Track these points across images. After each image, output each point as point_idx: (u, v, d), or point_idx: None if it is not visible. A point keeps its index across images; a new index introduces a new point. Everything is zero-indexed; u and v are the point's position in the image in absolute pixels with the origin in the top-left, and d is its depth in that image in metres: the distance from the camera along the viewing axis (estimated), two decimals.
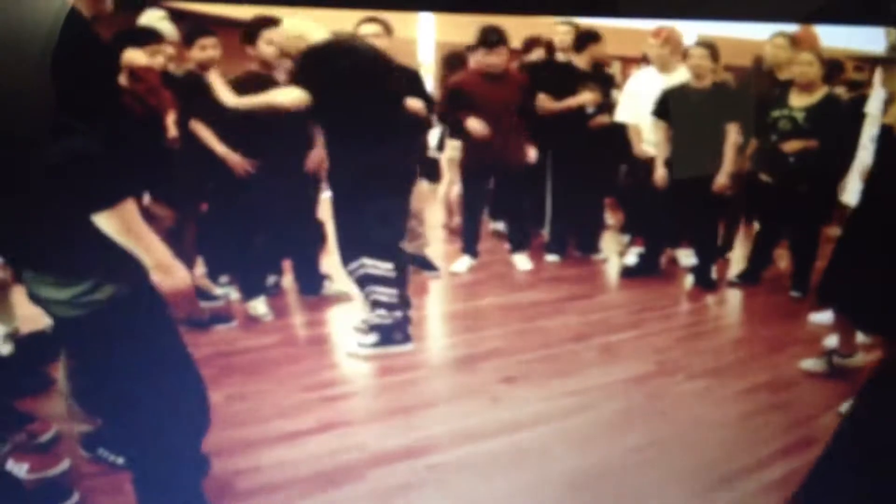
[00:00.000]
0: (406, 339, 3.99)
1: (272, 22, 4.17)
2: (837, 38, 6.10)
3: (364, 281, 3.92)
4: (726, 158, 5.06)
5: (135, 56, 3.73)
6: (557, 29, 5.75)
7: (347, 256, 3.93)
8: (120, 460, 2.73)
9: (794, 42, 5.32)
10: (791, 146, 4.82)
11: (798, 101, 4.84)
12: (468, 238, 5.57)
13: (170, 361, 2.16)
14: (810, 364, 3.84)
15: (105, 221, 1.87)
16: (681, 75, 5.22)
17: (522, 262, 5.58)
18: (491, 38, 5.12)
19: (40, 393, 3.24)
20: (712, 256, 5.35)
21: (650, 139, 5.31)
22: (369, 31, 4.53)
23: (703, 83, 5.08)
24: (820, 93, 4.82)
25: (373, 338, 3.96)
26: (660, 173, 5.25)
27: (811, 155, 4.79)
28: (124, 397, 2.09)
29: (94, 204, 1.86)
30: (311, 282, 4.75)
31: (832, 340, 3.99)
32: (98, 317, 1.98)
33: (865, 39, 4.28)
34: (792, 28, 5.61)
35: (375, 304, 3.94)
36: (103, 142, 1.85)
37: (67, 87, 1.73)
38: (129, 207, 1.89)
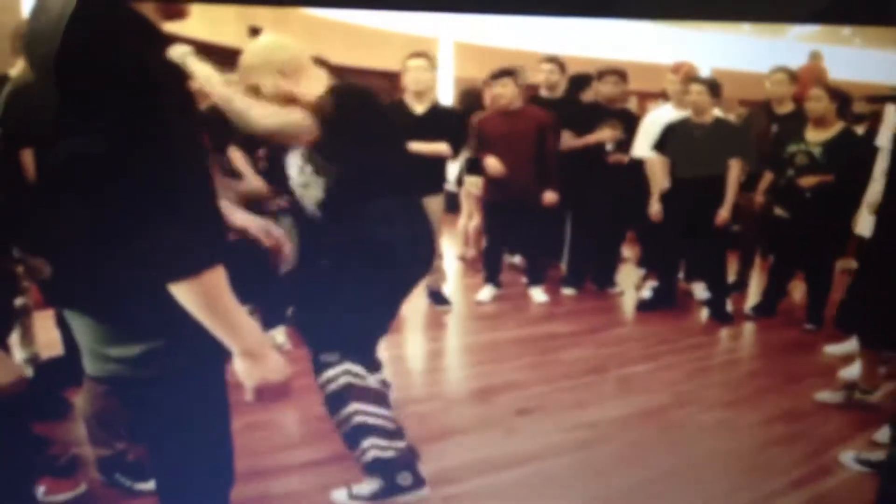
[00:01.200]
0: (419, 482, 2.83)
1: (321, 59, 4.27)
2: (846, 70, 6.12)
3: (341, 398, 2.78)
4: (728, 192, 5.07)
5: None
6: (542, 67, 5.81)
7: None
8: (137, 486, 2.75)
9: (795, 77, 5.37)
10: (808, 181, 4.85)
11: (814, 135, 4.87)
12: (491, 268, 5.65)
13: (217, 426, 1.79)
14: (826, 396, 3.81)
15: (183, 293, 1.45)
16: None
17: (538, 295, 5.60)
18: (495, 72, 5.33)
19: (59, 418, 3.27)
20: (724, 289, 5.34)
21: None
22: (418, 65, 4.65)
23: (704, 118, 5.11)
24: (836, 127, 4.86)
25: (373, 484, 2.81)
26: (655, 208, 5.29)
27: (827, 189, 4.80)
28: (164, 455, 1.78)
29: (171, 271, 1.44)
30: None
31: (849, 372, 3.98)
32: (156, 382, 1.60)
33: (875, 70, 4.31)
34: (797, 62, 5.66)
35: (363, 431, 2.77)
36: (195, 188, 1.52)
37: (142, 109, 1.36)
38: (217, 278, 1.47)
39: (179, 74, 1.58)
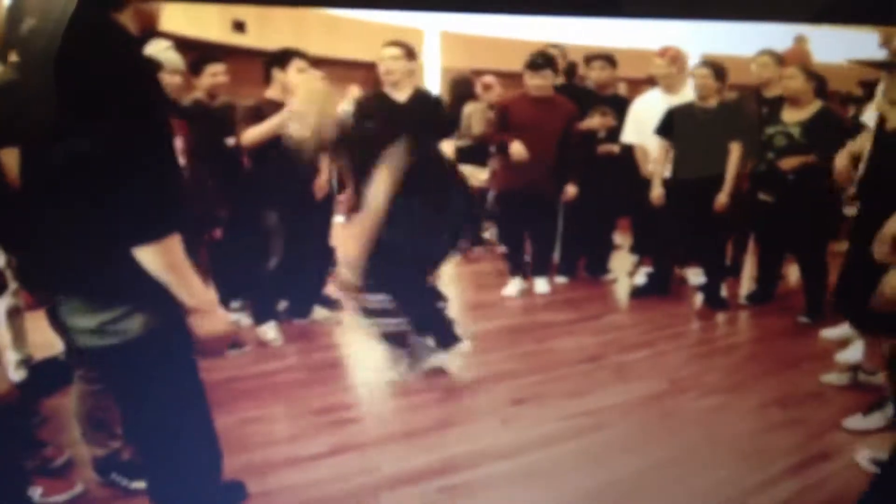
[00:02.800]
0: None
1: (300, 53, 4.29)
2: (832, 53, 6.11)
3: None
4: (728, 177, 5.05)
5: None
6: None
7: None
8: (133, 485, 2.73)
9: (781, 60, 5.34)
10: (788, 163, 4.76)
11: (791, 116, 4.80)
12: (513, 261, 5.63)
13: (191, 396, 2.02)
14: (832, 378, 3.81)
15: (146, 256, 1.73)
16: (686, 95, 5.25)
17: (542, 285, 5.58)
18: (536, 61, 5.23)
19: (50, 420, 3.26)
20: (720, 275, 5.33)
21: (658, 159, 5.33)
22: (389, 54, 4.61)
23: (709, 103, 5.09)
24: (813, 106, 4.78)
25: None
26: (656, 192, 5.26)
27: (810, 171, 4.71)
28: (143, 428, 2.00)
29: (136, 236, 1.72)
30: (303, 306, 4.79)
31: (846, 355, 3.98)
32: (125, 348, 1.83)
33: (862, 53, 4.29)
34: (781, 46, 5.65)
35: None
36: (156, 169, 1.74)
37: (119, 106, 1.63)
38: (175, 243, 1.75)
39: (149, 67, 1.89)
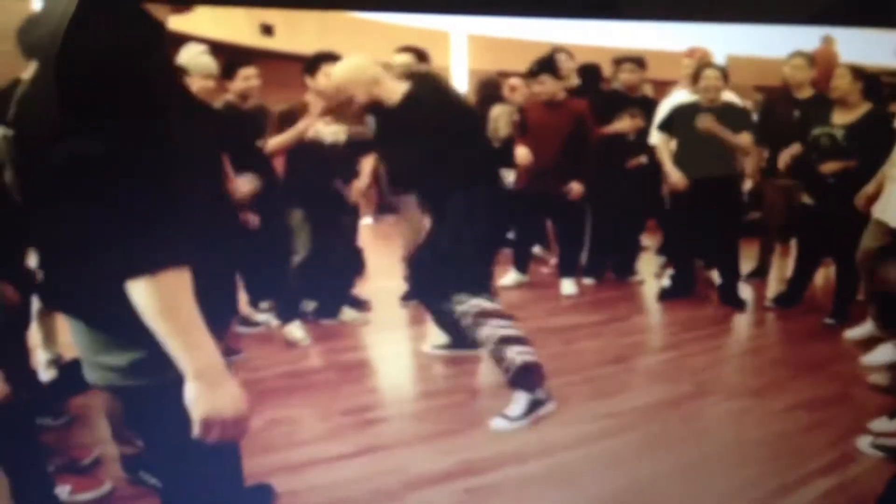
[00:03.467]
0: (548, 396, 3.49)
1: (332, 57, 4.32)
2: (859, 54, 6.04)
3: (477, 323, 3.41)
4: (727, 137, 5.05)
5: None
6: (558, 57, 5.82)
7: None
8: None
9: (813, 62, 5.30)
10: (829, 167, 4.66)
11: (840, 118, 4.68)
12: (518, 257, 5.79)
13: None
14: (879, 379, 3.75)
15: (138, 293, 1.30)
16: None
17: (568, 286, 5.61)
18: (531, 69, 5.37)
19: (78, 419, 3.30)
20: (735, 274, 5.29)
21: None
22: (403, 62, 4.64)
23: (714, 103, 5.08)
24: (861, 109, 4.66)
25: (521, 401, 3.41)
26: (675, 177, 5.26)
27: (851, 175, 4.49)
28: (170, 462, 1.65)
29: (129, 266, 1.30)
30: (331, 307, 4.81)
31: (872, 357, 3.95)
32: (158, 389, 1.43)
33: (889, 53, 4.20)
34: (810, 47, 5.60)
35: (505, 342, 3.39)
36: (177, 182, 1.35)
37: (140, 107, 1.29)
38: (177, 280, 1.31)
39: (174, 74, 1.53)
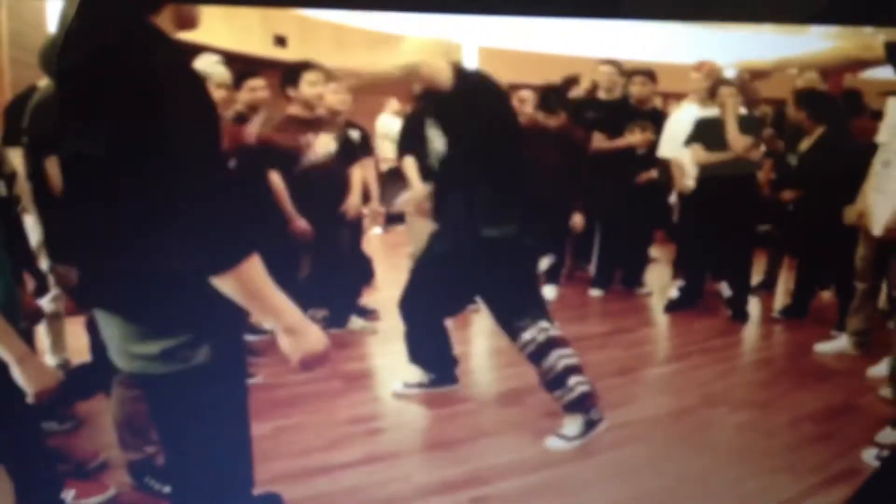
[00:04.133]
0: (601, 416, 3.38)
1: (312, 66, 4.34)
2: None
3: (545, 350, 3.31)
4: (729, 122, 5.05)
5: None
6: (601, 70, 5.84)
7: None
8: (166, 489, 2.76)
9: (825, 75, 5.32)
10: (787, 196, 4.86)
11: (803, 143, 4.84)
12: (551, 270, 5.72)
13: (239, 424, 1.88)
14: (888, 392, 3.71)
15: (226, 285, 1.57)
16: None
17: (549, 292, 5.65)
18: (549, 104, 5.38)
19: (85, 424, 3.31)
20: (746, 288, 5.28)
21: (692, 174, 5.32)
22: None
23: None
24: (815, 134, 4.79)
25: (576, 421, 3.32)
26: (689, 185, 5.31)
27: (810, 201, 4.74)
28: (186, 453, 1.84)
29: (212, 265, 1.56)
30: (339, 316, 4.82)
31: (877, 370, 3.94)
32: (186, 375, 1.68)
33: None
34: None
35: (569, 372, 3.31)
36: (221, 187, 1.61)
37: (163, 114, 1.47)
38: (254, 266, 1.58)
39: (196, 79, 1.64)
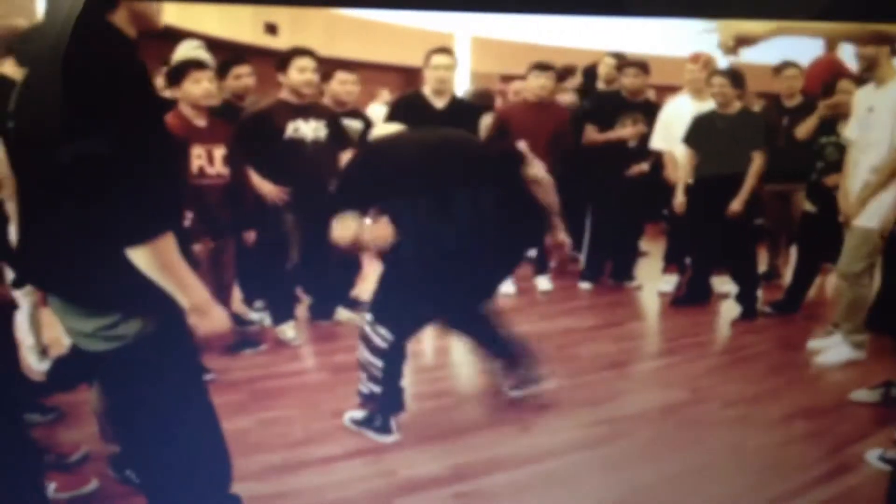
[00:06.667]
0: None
1: (306, 52, 4.28)
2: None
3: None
4: (745, 185, 4.98)
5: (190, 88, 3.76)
6: (606, 61, 5.86)
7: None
8: None
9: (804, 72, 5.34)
10: (833, 180, 4.60)
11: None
12: (539, 260, 5.73)
13: (191, 399, 2.00)
14: (862, 395, 3.66)
15: (140, 257, 1.71)
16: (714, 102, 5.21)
17: (543, 283, 5.67)
18: (541, 63, 5.42)
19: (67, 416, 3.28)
20: (755, 285, 5.23)
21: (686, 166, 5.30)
22: (443, 63, 4.66)
23: (729, 110, 5.05)
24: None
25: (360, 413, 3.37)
26: (679, 200, 5.24)
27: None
28: (142, 434, 1.97)
29: (129, 237, 1.71)
30: (327, 307, 4.79)
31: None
32: (123, 352, 1.83)
33: None
34: (809, 57, 5.65)
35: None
36: (147, 170, 1.72)
37: (113, 109, 1.64)
38: (168, 243, 1.74)
39: (142, 69, 1.78)
